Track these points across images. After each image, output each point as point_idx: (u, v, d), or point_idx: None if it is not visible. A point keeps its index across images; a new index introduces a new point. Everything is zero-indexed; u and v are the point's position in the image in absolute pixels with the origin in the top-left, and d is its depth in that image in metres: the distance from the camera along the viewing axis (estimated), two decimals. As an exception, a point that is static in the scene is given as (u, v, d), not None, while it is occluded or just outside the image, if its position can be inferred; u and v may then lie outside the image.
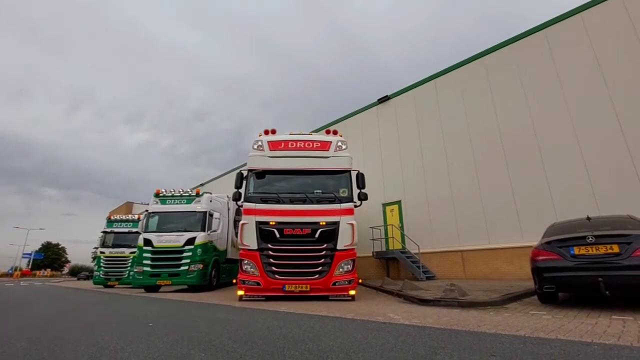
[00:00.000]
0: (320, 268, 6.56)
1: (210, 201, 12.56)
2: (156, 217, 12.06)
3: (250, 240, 6.70)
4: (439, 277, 12.20)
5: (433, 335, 3.30)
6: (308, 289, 6.41)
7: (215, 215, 12.06)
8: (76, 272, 53.30)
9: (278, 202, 6.90)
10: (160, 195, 12.36)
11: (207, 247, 11.85)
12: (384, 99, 16.04)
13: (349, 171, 7.34)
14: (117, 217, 17.47)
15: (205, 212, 12.07)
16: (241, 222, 6.87)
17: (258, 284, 6.47)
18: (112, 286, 16.06)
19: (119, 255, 16.15)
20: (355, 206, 7.23)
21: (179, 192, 12.45)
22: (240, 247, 6.82)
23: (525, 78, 11.49)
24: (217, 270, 12.43)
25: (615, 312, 4.29)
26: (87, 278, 41.43)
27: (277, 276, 6.51)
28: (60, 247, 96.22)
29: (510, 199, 11.08)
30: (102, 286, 16.26)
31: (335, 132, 7.89)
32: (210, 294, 9.72)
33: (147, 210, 12.31)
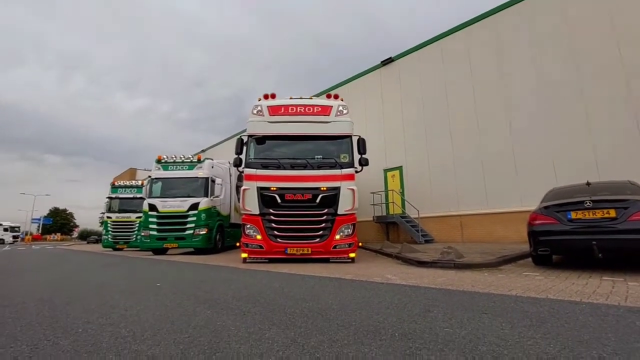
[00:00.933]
0: (321, 232, 6.72)
1: (212, 167, 12.60)
2: (159, 183, 12.18)
3: (252, 205, 6.80)
4: (437, 240, 12.51)
5: (428, 294, 3.45)
6: (309, 252, 6.61)
7: (217, 181, 12.15)
8: (85, 235, 54.91)
9: (279, 167, 6.91)
10: (162, 161, 12.39)
11: (211, 212, 12.08)
12: (388, 61, 15.46)
13: (350, 136, 7.27)
14: (121, 182, 17.67)
15: (207, 178, 12.16)
16: (243, 188, 6.94)
17: (261, 247, 6.67)
18: (120, 249, 16.61)
19: (125, 220, 16.54)
20: (356, 171, 7.24)
21: (181, 158, 12.46)
22: (242, 212, 6.94)
23: (534, 36, 10.95)
24: (222, 234, 12.76)
25: (606, 274, 4.43)
26: (97, 242, 42.83)
27: (279, 240, 6.69)
28: (68, 212, 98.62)
29: (511, 164, 11.04)
30: (111, 249, 16.82)
31: (336, 97, 7.70)
32: (215, 257, 10.07)
33: (150, 177, 12.40)
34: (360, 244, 7.10)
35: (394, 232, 14.05)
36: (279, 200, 6.74)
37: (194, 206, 11.67)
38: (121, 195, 17.11)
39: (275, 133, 7.10)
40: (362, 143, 7.42)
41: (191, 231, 11.50)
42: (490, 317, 2.54)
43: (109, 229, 16.77)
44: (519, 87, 11.17)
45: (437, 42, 13.61)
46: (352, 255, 6.77)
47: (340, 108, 7.33)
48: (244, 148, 7.25)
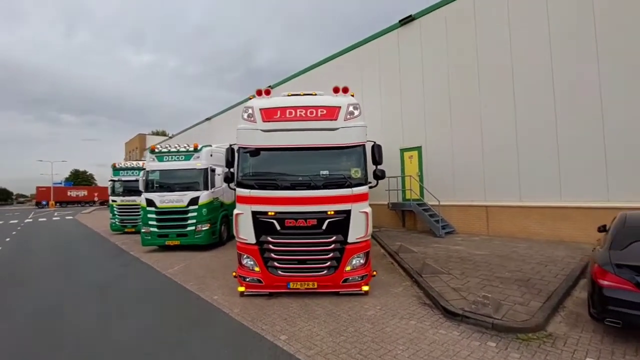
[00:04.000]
0: (328, 263, 5.74)
1: (211, 155, 11.51)
2: (155, 175, 11.27)
3: (246, 233, 5.80)
4: (459, 231, 11.45)
5: None
6: (315, 286, 5.71)
7: (218, 170, 11.12)
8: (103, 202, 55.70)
9: (276, 187, 5.76)
10: (156, 151, 11.35)
11: (213, 205, 11.26)
12: (408, 20, 13.18)
13: (363, 145, 5.92)
14: (122, 164, 16.92)
15: (206, 169, 11.15)
16: (235, 212, 5.88)
17: (259, 281, 5.79)
18: (130, 232, 16.33)
19: (131, 203, 16.04)
20: (371, 187, 6.02)
21: (176, 147, 11.36)
22: (237, 240, 5.97)
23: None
24: (227, 224, 12.06)
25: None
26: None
27: (280, 272, 5.77)
28: (88, 173, 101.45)
29: (553, 150, 9.45)
30: (120, 232, 16.61)
31: (345, 90, 6.20)
32: (218, 261, 9.40)
33: (144, 169, 11.47)
34: (374, 273, 6.12)
35: (411, 219, 13.02)
36: (278, 227, 5.70)
37: (194, 200, 10.83)
38: (123, 178, 16.46)
39: (270, 145, 5.82)
40: (377, 150, 6.08)
41: (193, 227, 10.80)
42: None
43: (115, 212, 16.40)
44: (574, 58, 9.13)
45: (469, -4, 11.23)
46: (365, 288, 5.83)
47: (351, 109, 5.89)
48: (236, 159, 6.06)
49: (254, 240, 5.79)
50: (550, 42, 9.44)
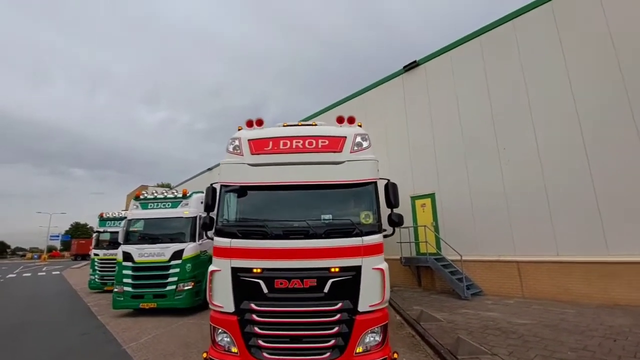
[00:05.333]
0: (332, 342, 4.19)
1: (201, 202, 10.31)
2: (137, 225, 10.02)
3: (223, 298, 4.36)
4: (486, 292, 9.70)
5: None
6: (314, 377, 4.10)
7: (209, 234, 9.82)
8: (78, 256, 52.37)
9: (265, 236, 4.46)
10: (141, 198, 10.23)
11: (199, 259, 9.77)
12: (412, 66, 12.91)
13: (374, 183, 4.75)
14: (109, 214, 15.73)
15: (195, 218, 9.90)
16: (210, 269, 4.51)
17: (237, 367, 4.21)
18: (109, 291, 14.51)
19: (113, 257, 14.48)
20: (386, 236, 4.70)
21: (163, 193, 10.28)
22: (211, 308, 4.52)
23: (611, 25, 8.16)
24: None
25: None
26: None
27: (265, 354, 4.20)
28: (88, 227, 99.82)
29: (589, 196, 8.19)
30: (99, 290, 14.81)
31: (351, 120, 5.21)
32: (197, 330, 7.70)
33: (125, 217, 10.26)
34: (395, 356, 4.50)
35: (427, 276, 11.31)
36: (265, 290, 4.28)
37: (178, 254, 9.40)
38: (110, 229, 15.15)
39: (259, 183, 4.67)
40: (392, 190, 4.89)
41: (174, 286, 9.21)
42: None
43: (95, 267, 14.80)
44: (598, 91, 8.35)
45: (476, 38, 10.95)
46: (383, 380, 4.20)
47: (359, 140, 4.84)
48: (217, 202, 4.87)
49: (232, 309, 4.33)
50: (569, 77, 8.74)
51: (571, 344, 5.37)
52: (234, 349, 4.26)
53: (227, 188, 4.78)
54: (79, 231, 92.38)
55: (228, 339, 4.33)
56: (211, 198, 4.91)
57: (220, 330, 4.37)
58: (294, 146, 4.73)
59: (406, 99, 13.04)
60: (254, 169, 4.69)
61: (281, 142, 4.77)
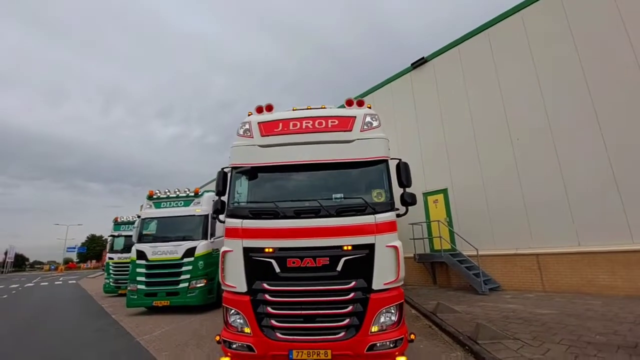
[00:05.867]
0: (347, 321, 4.08)
1: (213, 200, 10.37)
2: (150, 224, 10.13)
3: (235, 278, 4.32)
4: (505, 287, 9.38)
5: None
6: (329, 357, 3.98)
7: (220, 217, 9.87)
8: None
9: (276, 216, 4.42)
10: (154, 197, 10.37)
11: (211, 257, 9.76)
12: (420, 62, 12.89)
13: (385, 161, 4.69)
14: (124, 219, 15.97)
15: (206, 216, 9.96)
16: (222, 250, 4.49)
17: (250, 348, 4.12)
18: (123, 294, 14.64)
19: (128, 261, 14.64)
20: (399, 215, 4.61)
21: (175, 192, 10.38)
22: (223, 288, 4.48)
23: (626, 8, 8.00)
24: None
25: None
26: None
27: (279, 334, 4.12)
28: (104, 239, 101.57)
29: (610, 183, 7.91)
30: (113, 294, 14.94)
31: (360, 103, 5.17)
32: (210, 324, 7.64)
33: (139, 216, 10.39)
34: (412, 336, 4.35)
35: (443, 273, 11.03)
36: (277, 269, 4.22)
37: (190, 252, 9.44)
38: (124, 233, 15.36)
39: (269, 163, 4.66)
40: (404, 170, 4.80)
41: (186, 284, 9.21)
42: None
43: (110, 271, 14.97)
44: (615, 76, 8.14)
45: (484, 31, 10.89)
46: None
47: (369, 119, 4.80)
48: (228, 185, 4.88)
49: (244, 289, 4.28)
50: (581, 62, 8.57)
51: (599, 330, 5.10)
52: (247, 329, 4.19)
53: (237, 170, 4.79)
54: (94, 243, 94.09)
55: (241, 320, 4.27)
56: (222, 182, 4.91)
57: (233, 311, 4.31)
58: (303, 127, 4.72)
59: (415, 96, 12.98)
60: (264, 149, 4.69)
61: (291, 123, 4.78)
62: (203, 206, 10.04)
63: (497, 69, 10.42)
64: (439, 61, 12.35)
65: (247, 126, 4.92)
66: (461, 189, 11.00)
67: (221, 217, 4.86)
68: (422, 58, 12.80)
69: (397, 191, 4.63)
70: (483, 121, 10.63)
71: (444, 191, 11.47)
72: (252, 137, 4.80)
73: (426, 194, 11.98)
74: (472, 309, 7.16)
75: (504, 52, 10.33)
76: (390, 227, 4.36)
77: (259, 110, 5.24)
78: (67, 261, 74.95)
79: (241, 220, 4.50)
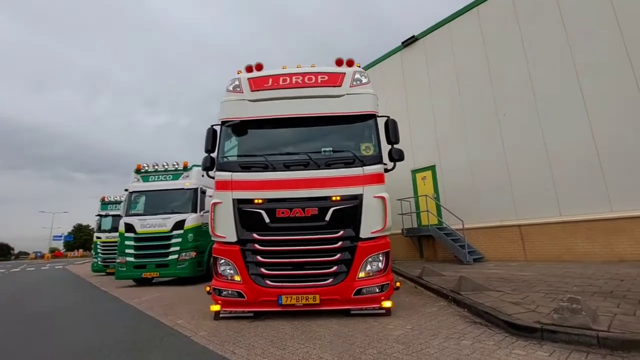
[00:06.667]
0: (335, 268, 4.20)
1: (203, 176, 10.25)
2: (138, 197, 10.03)
3: (225, 228, 4.37)
4: (489, 258, 9.68)
5: None
6: (317, 302, 4.10)
7: (209, 192, 9.86)
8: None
9: (266, 168, 4.47)
10: (142, 170, 10.24)
11: (201, 230, 9.75)
12: (410, 41, 12.90)
13: (374, 116, 4.76)
14: (111, 198, 15.75)
15: (196, 189, 9.91)
16: (212, 202, 4.52)
17: (240, 294, 4.21)
18: (112, 273, 14.54)
19: (116, 240, 14.52)
20: (386, 170, 4.70)
21: (164, 166, 10.27)
22: (213, 239, 4.53)
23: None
24: (217, 256, 10.41)
25: None
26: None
27: (268, 282, 4.21)
28: (90, 228, 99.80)
29: (591, 154, 8.16)
30: (102, 274, 14.83)
31: (350, 63, 5.19)
32: (199, 292, 7.69)
33: (127, 190, 10.27)
34: (398, 284, 4.51)
35: (430, 247, 11.29)
36: (267, 219, 4.29)
37: (179, 224, 9.41)
38: (112, 213, 15.16)
39: (259, 116, 4.68)
40: (392, 127, 4.89)
41: (176, 256, 9.21)
42: None
43: (98, 250, 14.82)
44: (593, 55, 8.32)
45: (474, 8, 10.95)
46: (386, 304, 4.19)
47: (358, 76, 4.85)
48: (218, 142, 4.88)
49: (234, 238, 4.34)
50: (568, 40, 8.73)
51: (576, 283, 5.34)
52: (237, 278, 4.27)
53: (227, 124, 4.78)
54: (81, 232, 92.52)
55: (231, 270, 4.34)
56: (211, 139, 4.91)
57: (222, 261, 4.38)
58: (293, 82, 4.74)
59: (405, 75, 13.03)
60: (254, 104, 4.70)
61: (281, 78, 4.79)
62: (192, 180, 9.98)
63: (485, 45, 10.52)
64: (429, 39, 12.38)
65: (236, 82, 4.91)
66: (449, 166, 11.18)
67: (211, 173, 4.86)
68: (413, 36, 12.81)
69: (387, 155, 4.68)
70: (470, 97, 10.76)
71: (432, 168, 11.65)
72: (242, 92, 4.80)
73: (414, 171, 12.15)
74: (456, 273, 7.37)
75: (493, 28, 10.41)
76: (378, 178, 4.45)
77: (249, 69, 5.21)
78: (53, 250, 73.64)
79: (231, 173, 4.53)
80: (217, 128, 4.92)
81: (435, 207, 11.12)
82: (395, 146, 4.83)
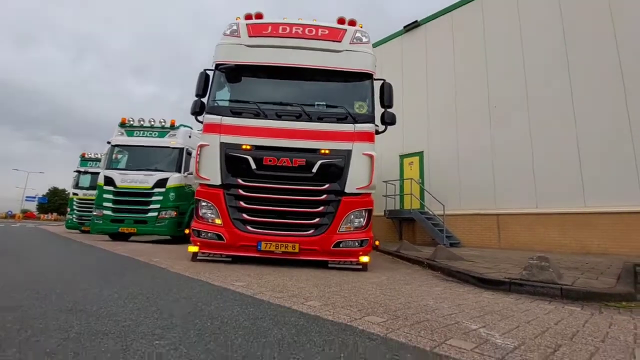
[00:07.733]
0: (317, 220, 4.22)
1: (190, 137, 10.11)
2: (120, 152, 9.75)
3: (210, 171, 4.31)
4: (465, 244, 9.96)
5: None
6: (296, 250, 4.13)
7: (194, 153, 9.67)
8: None
9: (257, 115, 4.40)
10: (127, 124, 9.93)
11: (183, 191, 9.62)
12: (412, 26, 12.84)
13: (371, 76, 4.74)
14: (92, 155, 15.26)
15: (182, 149, 9.71)
16: (199, 144, 4.44)
17: (220, 237, 4.19)
18: (86, 231, 14.21)
19: (93, 198, 14.14)
20: (377, 132, 4.72)
21: (150, 122, 9.99)
22: (196, 181, 4.46)
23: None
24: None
25: None
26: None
27: (249, 227, 4.21)
28: (66, 192, 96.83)
29: (572, 149, 8.43)
30: (77, 231, 14.47)
31: (352, 23, 5.13)
32: (180, 249, 7.62)
33: (109, 142, 9.95)
34: (377, 242, 4.59)
35: (409, 231, 11.52)
36: (253, 166, 4.25)
37: (162, 182, 9.23)
38: (91, 170, 14.70)
39: (255, 62, 4.58)
40: (387, 90, 4.90)
41: (155, 213, 9.06)
42: None
43: (74, 207, 14.41)
44: (589, 52, 8.50)
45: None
46: (363, 259, 4.27)
47: (359, 35, 4.80)
48: (210, 87, 4.75)
49: (218, 182, 4.29)
50: (564, 39, 8.88)
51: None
52: (218, 221, 4.24)
53: (221, 68, 4.67)
54: (56, 196, 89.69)
55: (212, 213, 4.30)
56: (203, 84, 4.79)
57: (204, 203, 4.33)
58: (293, 32, 4.65)
59: (403, 60, 13.00)
60: (251, 49, 4.60)
61: (280, 27, 4.68)
62: (179, 139, 9.77)
63: (484, 35, 10.58)
64: (431, 25, 12.35)
65: (234, 27, 4.78)
66: (436, 153, 11.34)
67: (199, 117, 4.76)
68: (416, 21, 12.75)
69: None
70: (464, 87, 10.87)
71: (420, 154, 11.79)
72: (239, 37, 4.67)
73: (403, 156, 12.27)
74: (431, 252, 7.58)
75: (494, 18, 10.46)
76: (368, 136, 4.47)
77: (248, 17, 5.07)
78: (25, 211, 71.22)
79: (221, 117, 4.44)
80: (210, 73, 4.80)
81: (419, 192, 11.30)
82: (388, 110, 4.84)
